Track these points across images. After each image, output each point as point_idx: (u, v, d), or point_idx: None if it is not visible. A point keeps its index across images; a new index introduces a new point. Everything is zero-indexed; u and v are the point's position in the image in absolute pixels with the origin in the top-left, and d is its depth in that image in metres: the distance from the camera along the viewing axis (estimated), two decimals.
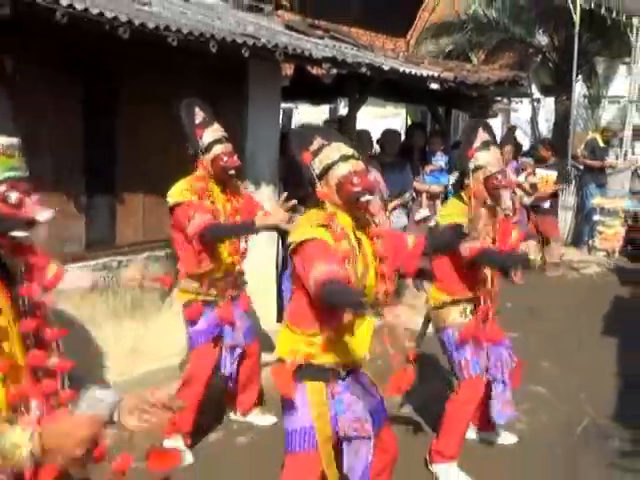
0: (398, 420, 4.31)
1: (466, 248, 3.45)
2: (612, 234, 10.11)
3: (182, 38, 4.35)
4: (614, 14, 11.42)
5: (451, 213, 3.77)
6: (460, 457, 3.85)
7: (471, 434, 4.22)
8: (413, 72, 6.83)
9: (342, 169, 2.73)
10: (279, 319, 5.64)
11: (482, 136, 3.74)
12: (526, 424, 4.51)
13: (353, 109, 7.75)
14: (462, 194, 3.78)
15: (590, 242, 10.34)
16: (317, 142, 2.81)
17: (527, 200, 8.86)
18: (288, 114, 12.36)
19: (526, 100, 16.25)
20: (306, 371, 2.74)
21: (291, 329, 2.82)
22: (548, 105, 16.29)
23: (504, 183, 3.70)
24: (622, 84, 14.74)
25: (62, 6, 3.72)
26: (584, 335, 6.30)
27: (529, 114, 16.27)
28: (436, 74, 7.25)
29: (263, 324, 5.27)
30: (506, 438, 4.24)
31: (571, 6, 11.09)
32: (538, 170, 9.23)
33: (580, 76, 13.74)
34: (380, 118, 13.62)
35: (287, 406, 2.82)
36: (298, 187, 2.98)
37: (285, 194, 3.72)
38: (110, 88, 4.78)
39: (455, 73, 7.63)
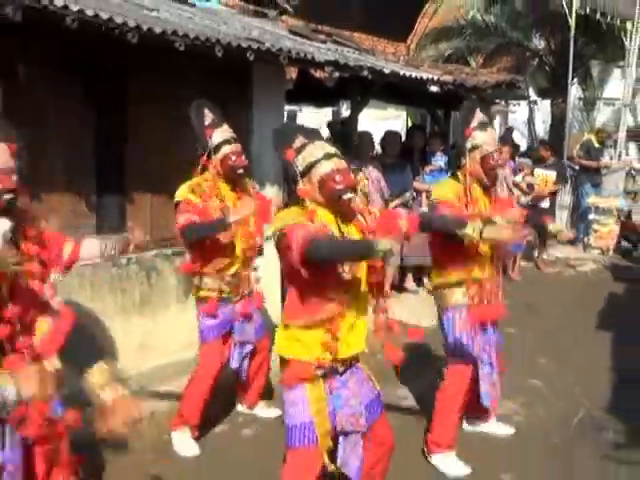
0: (398, 411, 4.30)
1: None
2: (607, 232, 10.12)
3: (189, 43, 4.35)
4: (609, 19, 11.41)
5: (444, 191, 3.75)
6: (458, 448, 3.84)
7: (469, 426, 4.22)
8: (413, 75, 6.82)
9: (325, 167, 2.69)
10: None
11: (479, 116, 3.73)
12: (523, 417, 4.50)
13: (355, 111, 7.75)
14: (458, 174, 3.76)
15: (585, 240, 10.34)
16: (299, 140, 2.78)
17: (524, 199, 8.84)
18: (292, 117, 12.35)
19: (523, 102, 16.21)
20: (305, 367, 2.72)
21: (287, 326, 2.78)
22: (545, 107, 16.23)
23: (500, 162, 3.69)
24: (616, 87, 14.69)
25: (72, 11, 3.71)
26: (580, 330, 6.29)
27: (526, 116, 16.24)
28: (436, 77, 7.24)
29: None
30: (503, 430, 4.23)
31: (567, 11, 11.07)
32: (537, 170, 9.26)
33: (576, 79, 13.70)
34: (381, 120, 13.61)
35: (287, 402, 2.80)
36: (292, 194, 2.97)
37: None
38: (119, 90, 4.78)
39: (454, 76, 7.62)
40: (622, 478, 3.62)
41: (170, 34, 4.25)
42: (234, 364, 4.09)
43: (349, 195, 2.70)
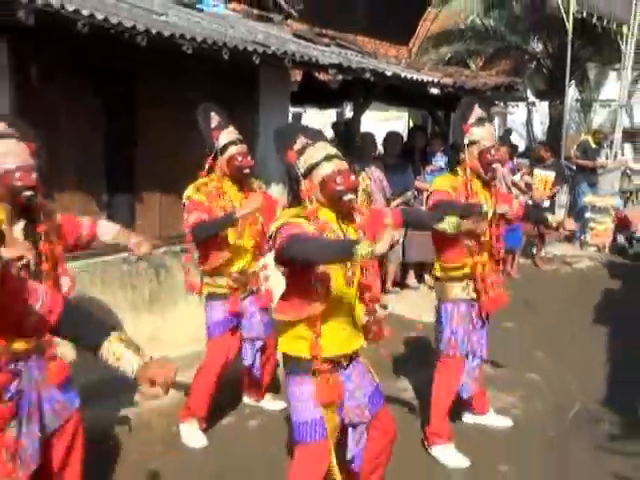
0: (398, 403, 4.30)
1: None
2: (603, 230, 10.10)
3: (196, 46, 4.35)
4: (605, 22, 11.37)
5: (441, 183, 3.76)
6: (458, 440, 3.84)
7: (468, 418, 4.22)
8: (414, 78, 6.81)
9: (326, 168, 2.67)
10: None
11: (477, 112, 3.71)
12: (521, 409, 4.49)
13: (358, 113, 7.74)
14: (458, 169, 3.74)
15: (582, 238, 10.32)
16: (300, 141, 2.75)
17: (523, 198, 8.83)
18: (297, 118, 12.35)
19: (522, 104, 16.19)
20: (312, 364, 2.70)
21: (285, 324, 2.75)
22: (542, 109, 16.20)
23: (497, 157, 3.67)
24: (612, 89, 14.64)
25: (83, 16, 3.72)
26: (576, 326, 6.27)
27: (524, 117, 16.21)
28: (436, 80, 7.22)
29: None
30: (502, 422, 4.22)
31: (564, 15, 11.04)
32: (536, 170, 9.28)
33: (573, 81, 13.67)
34: (384, 121, 13.59)
35: (294, 398, 2.78)
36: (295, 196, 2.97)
37: None
38: (128, 94, 4.79)
39: (454, 79, 7.60)
40: (617, 469, 3.61)
41: (178, 37, 4.25)
42: (247, 361, 4.09)
43: (349, 196, 2.69)
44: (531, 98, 16.04)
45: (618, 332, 5.98)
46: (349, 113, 12.50)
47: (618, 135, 11.94)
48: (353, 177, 2.73)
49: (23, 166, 2.56)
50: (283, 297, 2.78)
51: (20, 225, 2.65)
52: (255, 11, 7.81)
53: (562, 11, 11.05)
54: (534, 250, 9.22)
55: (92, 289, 4.45)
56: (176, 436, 3.96)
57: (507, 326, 6.03)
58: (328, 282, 2.63)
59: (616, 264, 9.29)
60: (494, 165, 3.68)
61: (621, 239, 10.34)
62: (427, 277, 7.20)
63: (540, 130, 16.75)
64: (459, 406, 4.13)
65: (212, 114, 3.92)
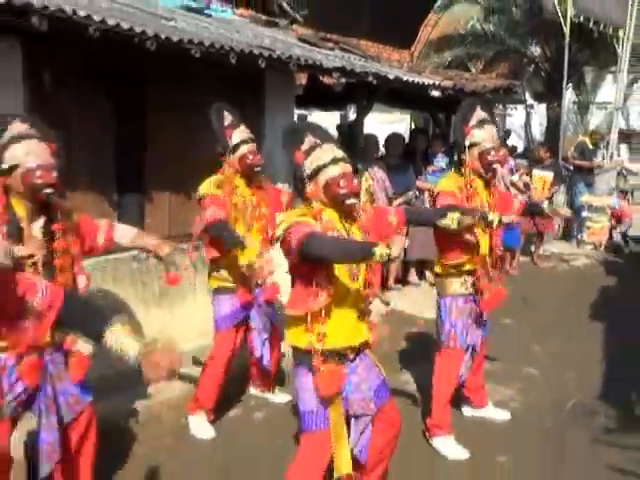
0: (401, 395, 4.29)
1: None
2: (599, 229, 10.09)
3: (204, 50, 4.35)
4: (601, 27, 11.32)
5: (447, 184, 3.75)
6: (457, 432, 3.84)
7: (467, 411, 4.21)
8: (416, 81, 6.80)
9: (332, 171, 2.67)
10: None
11: (478, 114, 3.70)
12: (519, 403, 4.48)
13: (361, 115, 7.73)
14: (461, 169, 3.74)
15: (579, 236, 10.32)
16: (308, 140, 2.75)
17: (521, 197, 8.81)
18: (302, 120, 12.31)
19: (520, 106, 16.17)
20: (317, 356, 2.70)
21: (294, 317, 2.75)
22: (541, 111, 16.13)
23: (497, 158, 3.67)
24: (609, 91, 14.57)
25: (95, 21, 3.72)
26: (573, 322, 6.25)
27: (523, 119, 16.19)
28: (437, 82, 7.21)
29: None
30: (500, 415, 4.22)
31: (561, 20, 10.99)
32: (535, 171, 9.28)
33: (570, 84, 13.61)
34: (387, 123, 13.53)
35: (301, 388, 2.79)
36: (300, 195, 2.98)
37: None
38: (138, 98, 4.79)
39: (454, 82, 7.59)
40: (612, 461, 3.60)
41: (186, 42, 4.25)
42: (257, 352, 4.10)
43: (352, 201, 2.70)
44: (529, 100, 15.99)
45: (614, 329, 5.96)
46: (353, 115, 12.48)
47: (614, 136, 11.90)
48: (356, 181, 2.73)
49: (44, 165, 2.59)
50: (291, 292, 2.78)
51: (39, 223, 2.67)
52: (261, 16, 7.81)
53: (560, 16, 11.00)
54: (532, 248, 9.20)
55: (104, 286, 4.46)
56: (185, 428, 3.97)
57: (505, 322, 6.02)
58: (332, 278, 2.63)
59: (612, 262, 9.28)
60: (494, 166, 3.67)
61: (617, 237, 10.32)
62: (428, 274, 7.20)
63: (538, 131, 16.69)
64: (459, 399, 4.13)
65: (225, 113, 3.94)
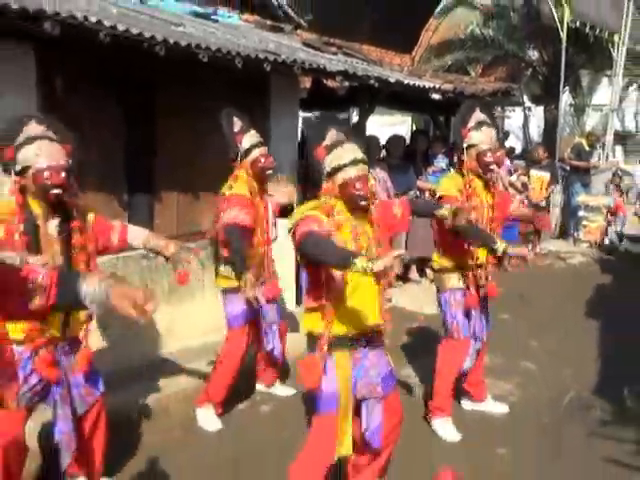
0: (402, 388, 4.29)
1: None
2: (595, 228, 10.07)
3: (211, 54, 4.35)
4: (597, 31, 11.30)
5: (448, 186, 3.76)
6: (457, 425, 3.85)
7: (467, 405, 4.21)
8: (416, 84, 6.79)
9: (350, 173, 2.70)
10: (298, 302, 5.65)
11: (477, 116, 3.70)
12: (517, 397, 4.48)
13: (363, 117, 7.72)
14: (462, 169, 3.75)
15: (575, 235, 10.30)
16: (331, 135, 2.77)
17: (519, 197, 8.81)
18: (308, 123, 12.31)
19: (518, 109, 16.17)
20: (333, 343, 2.73)
21: (309, 307, 2.79)
22: (538, 113, 16.11)
23: (494, 159, 3.67)
24: (604, 94, 14.54)
25: (105, 27, 3.73)
26: (569, 319, 6.24)
27: (521, 121, 16.19)
28: (437, 86, 7.20)
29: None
30: (499, 409, 4.21)
31: (558, 25, 10.98)
32: (533, 171, 9.28)
33: (567, 87, 13.56)
34: (388, 125, 13.52)
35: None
36: (315, 187, 2.98)
37: None
38: (148, 103, 4.78)
39: (454, 85, 7.57)
40: (608, 453, 3.60)
41: (194, 47, 4.25)
42: (269, 346, 4.11)
43: (365, 203, 2.73)
44: (527, 103, 15.98)
45: (609, 326, 5.95)
46: (355, 118, 12.47)
47: (610, 138, 11.88)
48: (370, 184, 2.75)
49: (53, 166, 2.60)
50: (310, 286, 2.82)
51: (54, 222, 2.69)
52: (267, 22, 7.82)
53: (557, 21, 10.99)
54: (530, 246, 9.18)
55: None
56: (193, 421, 3.98)
57: (503, 318, 6.01)
58: (337, 275, 2.66)
59: (607, 260, 9.25)
60: (491, 166, 3.68)
61: (613, 236, 10.30)
62: (428, 271, 7.19)
63: (536, 133, 16.68)
64: (459, 393, 4.13)
65: (235, 119, 3.94)
